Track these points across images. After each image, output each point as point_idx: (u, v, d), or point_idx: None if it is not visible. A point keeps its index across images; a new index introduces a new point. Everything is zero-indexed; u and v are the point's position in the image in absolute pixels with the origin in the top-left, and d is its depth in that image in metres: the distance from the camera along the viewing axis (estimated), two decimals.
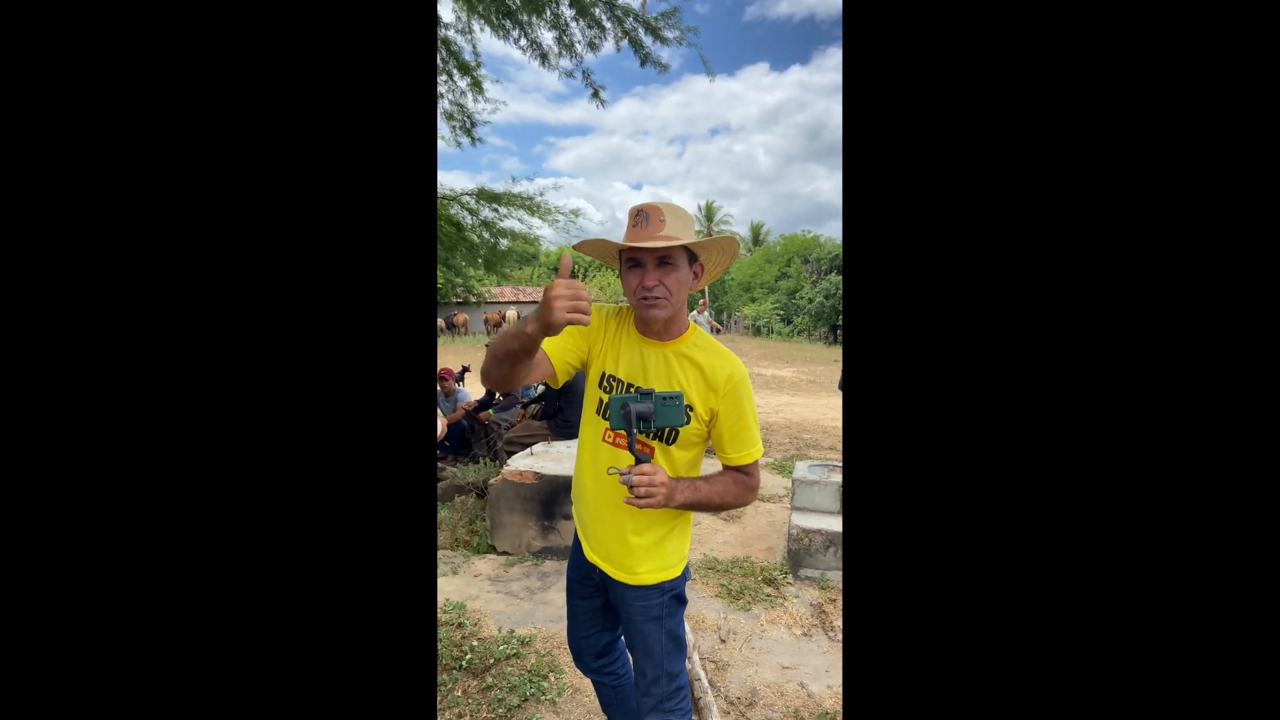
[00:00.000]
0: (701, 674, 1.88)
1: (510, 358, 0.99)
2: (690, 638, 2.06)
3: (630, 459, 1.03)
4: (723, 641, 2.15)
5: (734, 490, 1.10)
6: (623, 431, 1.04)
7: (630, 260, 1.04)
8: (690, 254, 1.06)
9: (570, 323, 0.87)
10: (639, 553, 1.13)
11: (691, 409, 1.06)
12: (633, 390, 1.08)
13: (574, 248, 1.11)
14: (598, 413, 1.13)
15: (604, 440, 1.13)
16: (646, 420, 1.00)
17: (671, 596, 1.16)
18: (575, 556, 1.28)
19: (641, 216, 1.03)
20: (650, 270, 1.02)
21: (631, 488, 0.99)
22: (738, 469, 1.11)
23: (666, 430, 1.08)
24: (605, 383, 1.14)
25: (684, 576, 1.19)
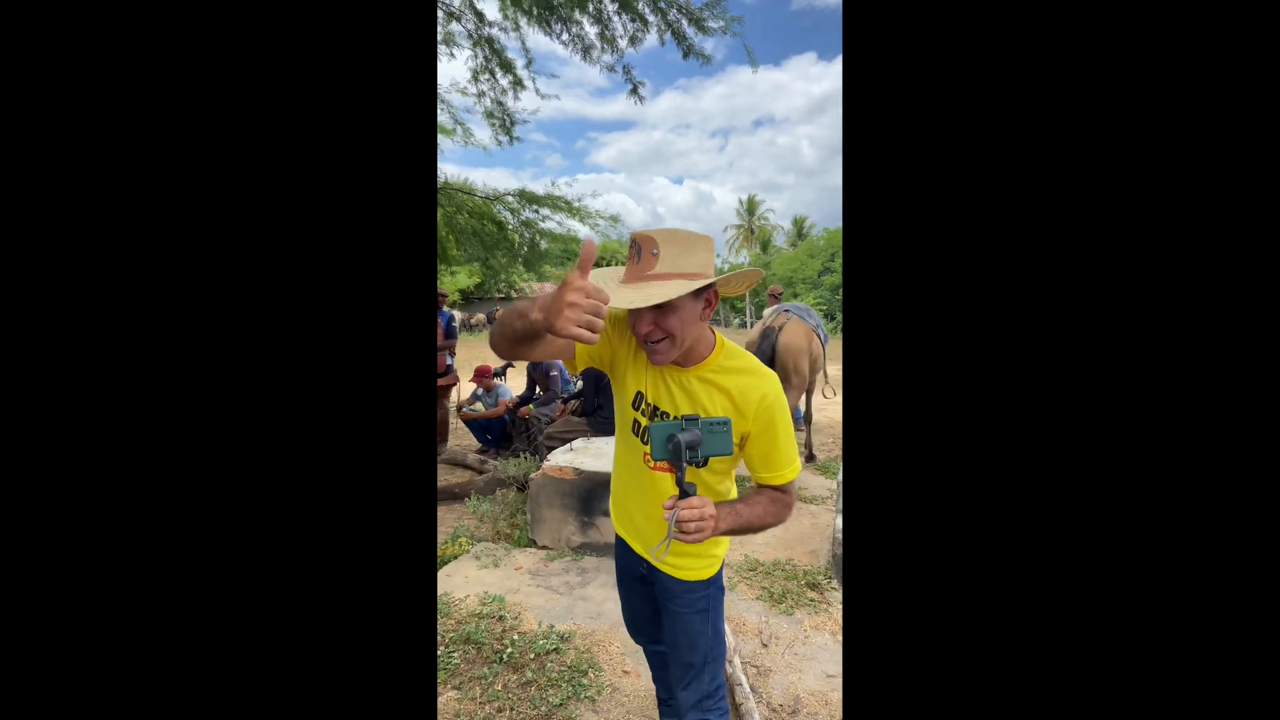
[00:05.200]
0: (743, 679, 1.84)
1: (513, 335, 0.91)
2: (731, 641, 2.02)
3: (674, 490, 0.95)
4: (764, 646, 2.11)
5: (772, 510, 1.06)
6: (663, 463, 0.97)
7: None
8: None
9: (574, 338, 0.77)
10: (692, 552, 1.15)
11: None
12: (669, 417, 1.01)
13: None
14: (634, 434, 1.10)
15: (646, 464, 1.09)
16: (694, 449, 0.92)
17: (715, 588, 1.18)
18: (621, 552, 1.30)
19: (634, 249, 0.93)
20: (645, 317, 0.93)
21: (679, 523, 0.90)
22: (774, 488, 1.07)
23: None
24: (640, 404, 1.09)
25: (721, 569, 1.21)
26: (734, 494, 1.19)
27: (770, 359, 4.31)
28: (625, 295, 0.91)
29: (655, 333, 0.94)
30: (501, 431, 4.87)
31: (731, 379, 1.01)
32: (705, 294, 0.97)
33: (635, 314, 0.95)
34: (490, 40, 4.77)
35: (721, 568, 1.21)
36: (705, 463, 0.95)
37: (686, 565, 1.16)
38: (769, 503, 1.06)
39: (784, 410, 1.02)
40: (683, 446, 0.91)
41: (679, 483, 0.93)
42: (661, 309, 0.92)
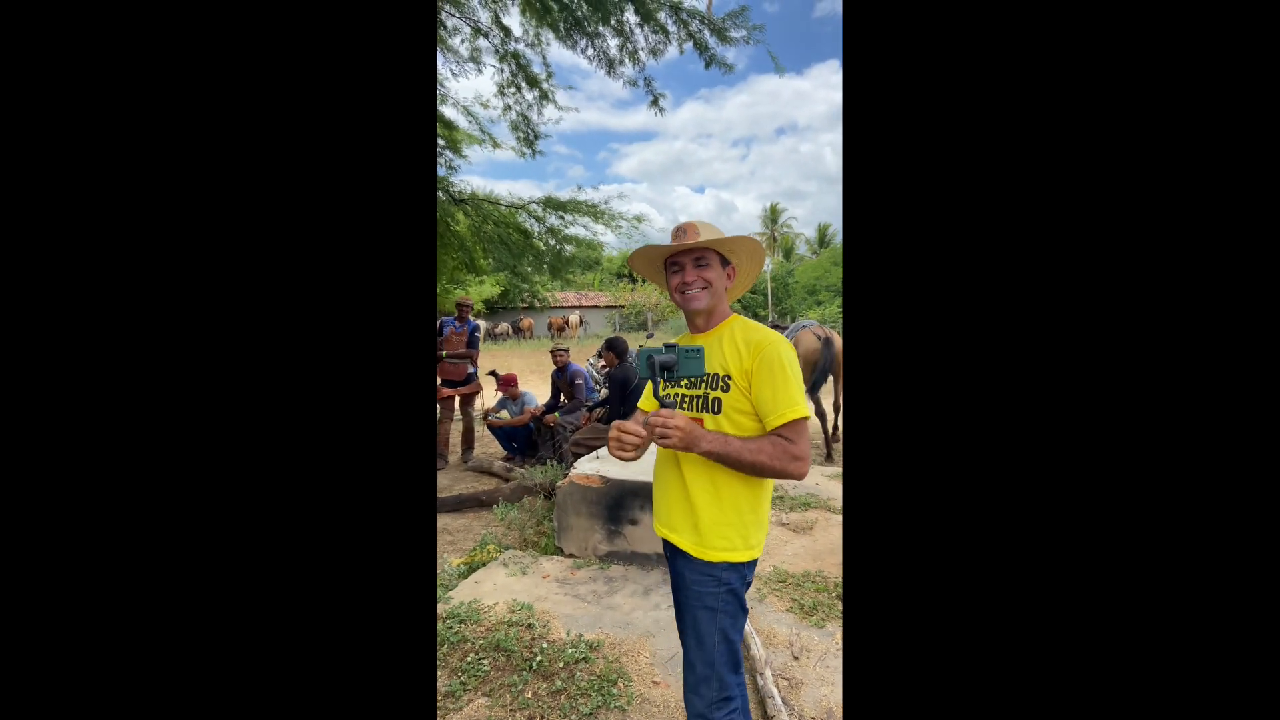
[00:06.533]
0: (775, 691, 1.81)
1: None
2: (762, 653, 1.99)
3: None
4: (795, 658, 2.07)
5: (769, 450, 1.09)
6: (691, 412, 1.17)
7: (673, 264, 1.26)
8: (722, 259, 1.26)
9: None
10: (702, 519, 1.18)
11: (730, 378, 1.16)
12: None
13: (628, 261, 1.34)
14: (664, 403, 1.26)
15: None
16: (670, 369, 1.11)
17: (727, 590, 1.17)
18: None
19: (679, 232, 1.24)
20: (689, 269, 1.23)
21: (649, 426, 1.10)
22: (776, 433, 1.12)
23: (710, 399, 1.18)
24: None
25: (743, 575, 1.19)
26: None
27: (829, 365, 4.52)
28: (680, 245, 1.21)
29: (698, 281, 1.22)
30: (527, 439, 4.91)
31: (740, 332, 1.21)
32: (728, 268, 1.28)
33: (682, 272, 1.24)
34: (516, 55, 4.86)
35: (739, 574, 1.19)
36: (713, 405, 1.18)
37: (702, 538, 1.18)
38: (767, 443, 1.11)
39: (784, 357, 1.13)
40: (658, 365, 1.11)
41: (655, 395, 1.15)
42: (702, 266, 1.23)
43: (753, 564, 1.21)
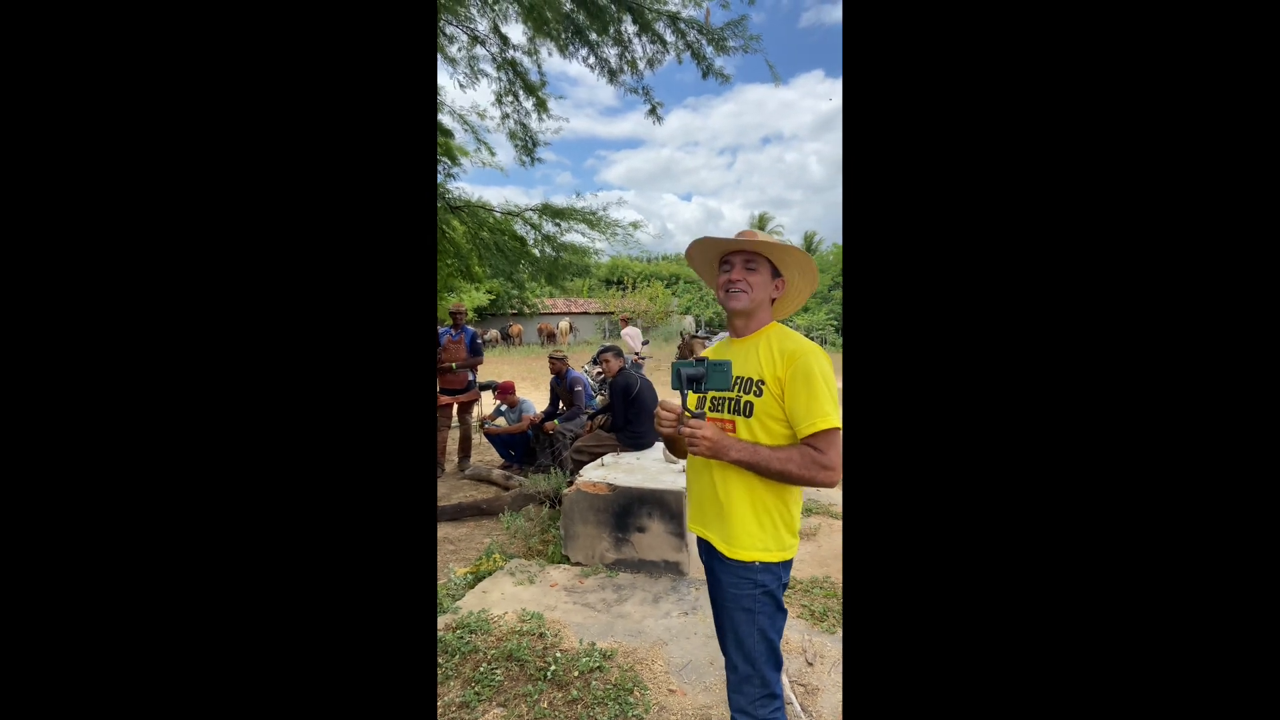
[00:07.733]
0: (793, 697, 1.81)
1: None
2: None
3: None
4: (809, 664, 2.07)
5: (797, 459, 1.11)
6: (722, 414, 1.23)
7: (725, 263, 1.28)
8: (774, 269, 1.27)
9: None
10: (733, 519, 1.20)
11: (763, 384, 1.18)
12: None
13: (686, 253, 1.36)
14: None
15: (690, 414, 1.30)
16: (697, 381, 1.15)
17: (763, 591, 1.18)
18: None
19: (738, 234, 1.27)
20: (737, 268, 1.25)
21: (681, 438, 1.15)
22: (806, 442, 1.13)
23: (742, 403, 1.20)
24: None
25: (777, 575, 1.20)
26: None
27: None
28: (739, 237, 1.24)
29: (742, 282, 1.23)
30: (525, 446, 4.88)
31: (776, 340, 1.23)
32: (777, 280, 1.28)
33: (731, 269, 1.26)
34: (514, 63, 4.87)
35: (774, 575, 1.20)
36: (744, 409, 1.20)
37: (732, 536, 1.20)
38: (796, 453, 1.13)
39: (817, 366, 1.14)
40: (684, 378, 1.16)
41: (684, 406, 1.19)
42: (751, 269, 1.25)
43: (787, 564, 1.22)
